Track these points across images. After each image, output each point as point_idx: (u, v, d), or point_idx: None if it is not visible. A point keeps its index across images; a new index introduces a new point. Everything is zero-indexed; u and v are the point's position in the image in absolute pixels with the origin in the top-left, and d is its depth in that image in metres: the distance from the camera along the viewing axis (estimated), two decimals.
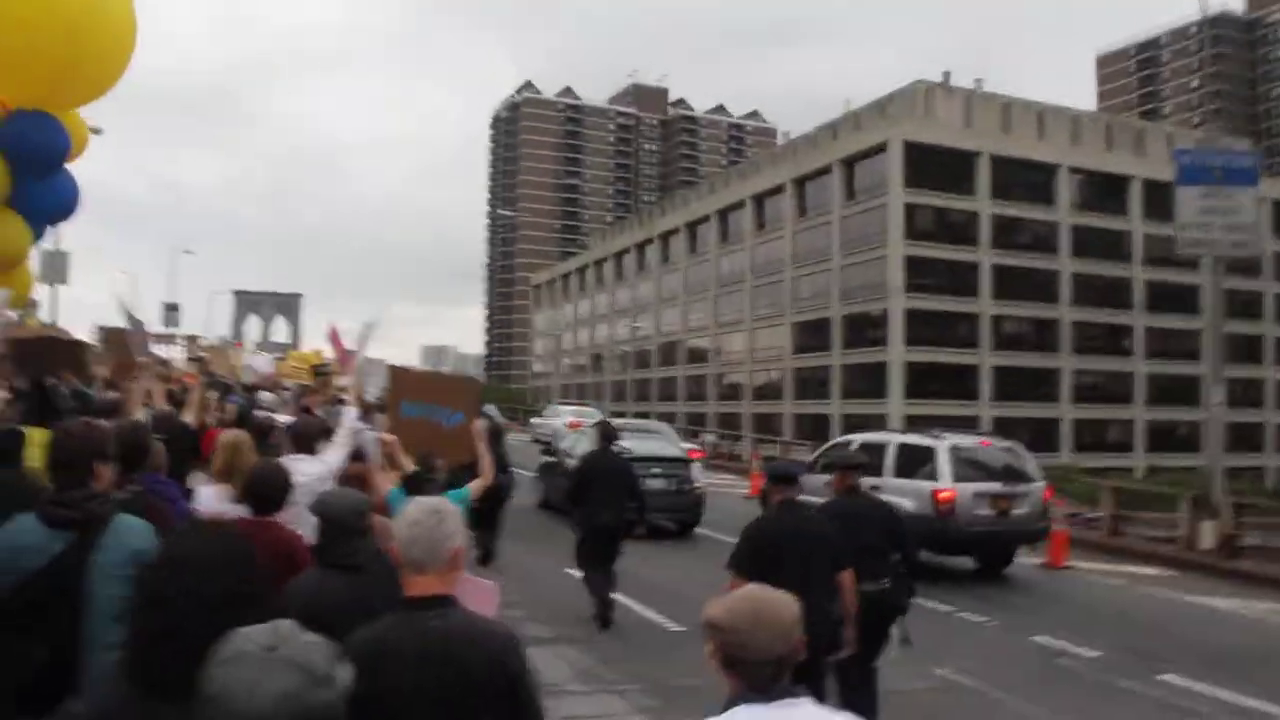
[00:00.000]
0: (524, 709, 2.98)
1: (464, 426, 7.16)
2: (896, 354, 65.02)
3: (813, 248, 73.09)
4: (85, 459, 3.86)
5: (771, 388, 78.27)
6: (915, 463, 14.84)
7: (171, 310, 55.49)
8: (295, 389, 16.37)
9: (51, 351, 14.50)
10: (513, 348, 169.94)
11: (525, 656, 3.04)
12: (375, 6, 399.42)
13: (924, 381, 64.60)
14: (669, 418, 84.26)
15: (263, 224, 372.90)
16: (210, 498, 5.35)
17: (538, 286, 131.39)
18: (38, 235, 5.13)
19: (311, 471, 5.65)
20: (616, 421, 17.63)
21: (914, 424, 43.23)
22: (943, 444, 14.81)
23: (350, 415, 6.88)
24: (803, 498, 6.88)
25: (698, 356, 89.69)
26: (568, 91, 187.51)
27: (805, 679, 3.01)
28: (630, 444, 16.52)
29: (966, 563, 15.37)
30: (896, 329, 65.09)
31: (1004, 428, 63.33)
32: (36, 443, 4.89)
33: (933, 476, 14.43)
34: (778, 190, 78.14)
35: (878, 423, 58.87)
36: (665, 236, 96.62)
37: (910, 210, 65.58)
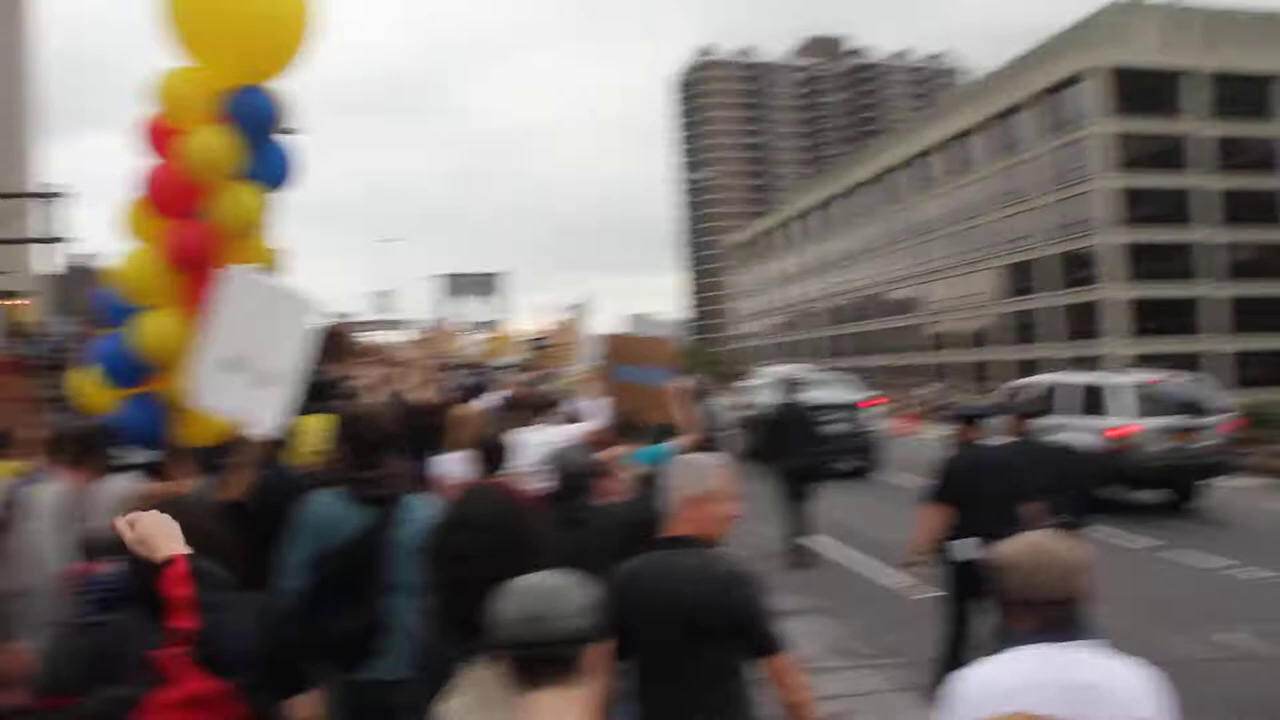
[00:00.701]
0: (755, 642, 3.19)
1: (670, 385, 7.34)
2: (1110, 291, 62.45)
3: (1013, 187, 70.72)
4: (380, 441, 4.25)
5: (979, 334, 76.41)
6: (1093, 401, 15.30)
7: (384, 297, 57.73)
8: (513, 363, 17.44)
9: (335, 340, 15.66)
10: (714, 310, 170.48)
11: (759, 599, 3.23)
12: None
13: (1145, 319, 61.92)
14: (874, 371, 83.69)
15: (462, 209, 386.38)
16: (449, 463, 5.88)
17: (733, 248, 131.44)
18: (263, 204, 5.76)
19: (553, 438, 5.92)
20: (798, 372, 19.92)
21: (1136, 364, 41.74)
22: (1117, 381, 15.54)
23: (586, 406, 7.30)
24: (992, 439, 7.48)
25: (900, 308, 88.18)
26: (746, 50, 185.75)
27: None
28: (809, 393, 17.04)
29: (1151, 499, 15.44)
30: (1109, 265, 62.48)
31: (1242, 363, 60.13)
32: (311, 429, 5.40)
33: (1108, 413, 14.89)
34: (971, 131, 75.85)
35: (1093, 365, 57.06)
36: (856, 188, 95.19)
37: (1115, 139, 62.62)
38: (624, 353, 7.70)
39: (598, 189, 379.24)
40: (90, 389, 5.66)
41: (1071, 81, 64.63)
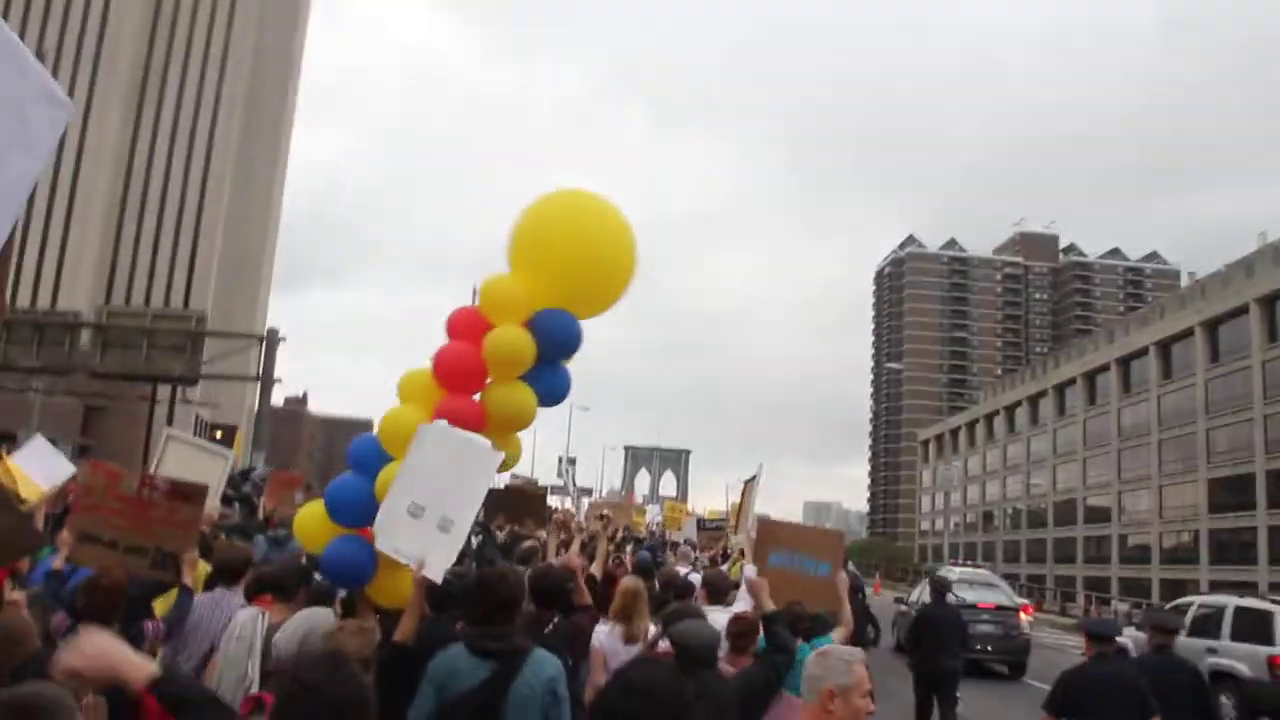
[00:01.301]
0: None
1: (830, 577, 7.44)
2: None
3: (1229, 395, 66.06)
4: (511, 600, 4.61)
5: (1184, 550, 70.61)
6: (1253, 626, 15.39)
7: (569, 464, 58.50)
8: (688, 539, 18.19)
9: (520, 501, 15.72)
10: (899, 505, 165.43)
11: None
12: (761, 174, 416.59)
13: None
14: (1067, 581, 78.39)
15: (656, 384, 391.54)
16: (604, 635, 6.33)
17: (925, 442, 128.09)
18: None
19: (720, 619, 6.20)
20: (954, 573, 21.75)
21: None
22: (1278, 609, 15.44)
23: (750, 570, 7.38)
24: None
25: (1098, 516, 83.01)
26: (952, 243, 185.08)
27: None
28: (964, 594, 19.72)
29: None
30: None
31: None
32: None
33: (1270, 641, 14.93)
34: (1185, 334, 71.88)
35: None
36: (1060, 388, 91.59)
37: None
38: (777, 538, 7.94)
39: (799, 375, 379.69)
40: (314, 523, 5.93)
41: None
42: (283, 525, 9.56)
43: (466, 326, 5.98)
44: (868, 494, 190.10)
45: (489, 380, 5.97)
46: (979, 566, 48.78)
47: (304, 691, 2.69)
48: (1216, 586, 60.77)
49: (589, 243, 6.00)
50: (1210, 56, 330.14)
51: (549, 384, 6.09)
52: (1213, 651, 15.57)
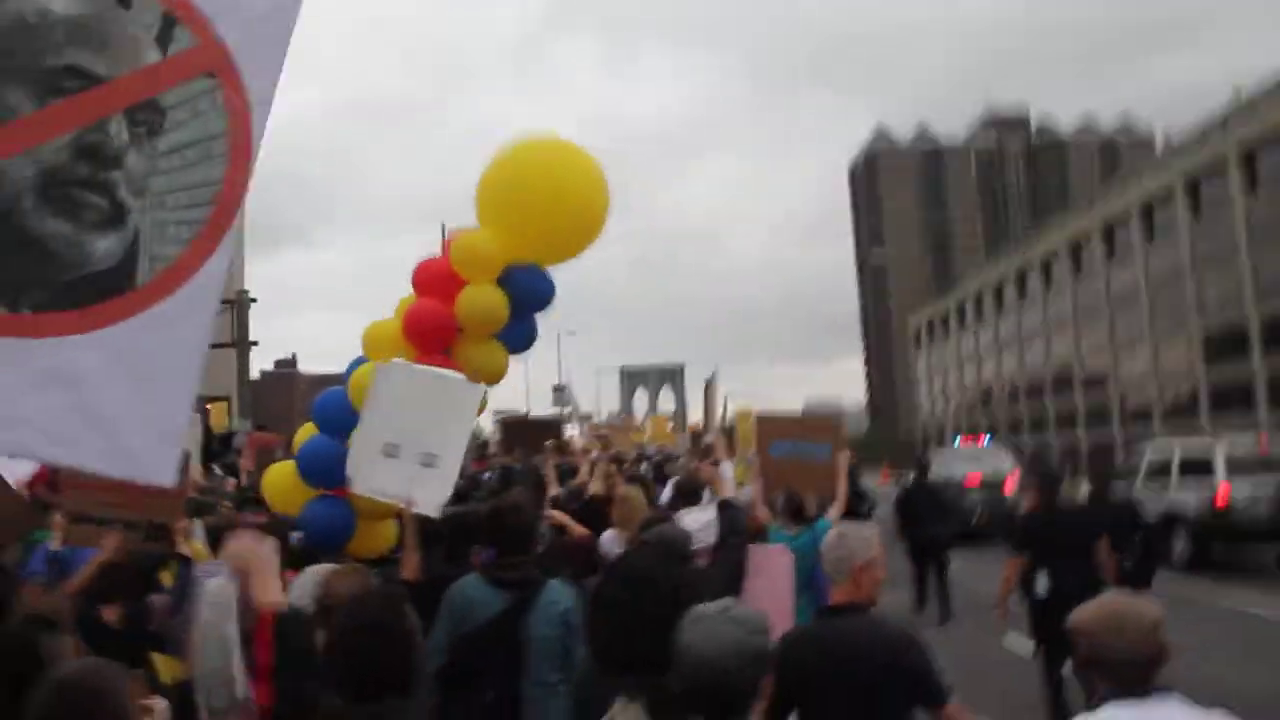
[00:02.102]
0: (927, 695, 3.61)
1: (832, 459, 7.73)
2: None
3: (1215, 248, 67.14)
4: (527, 530, 4.76)
5: (1184, 404, 72.36)
6: (1196, 465, 16.87)
7: (559, 391, 58.66)
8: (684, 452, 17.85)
9: (537, 432, 15.80)
10: (896, 394, 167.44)
11: (927, 655, 3.68)
12: (726, 87, 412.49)
13: None
14: (1072, 451, 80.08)
15: (641, 303, 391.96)
16: (610, 540, 6.46)
17: (916, 329, 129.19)
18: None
19: (700, 519, 6.23)
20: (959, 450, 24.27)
21: None
22: (1219, 445, 17.06)
23: (727, 470, 7.80)
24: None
25: (1096, 381, 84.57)
26: (922, 131, 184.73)
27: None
28: (958, 468, 22.89)
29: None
30: None
31: None
32: None
33: (1211, 476, 16.29)
34: (1166, 195, 72.90)
35: None
36: (1045, 260, 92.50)
37: None
38: (778, 429, 8.12)
39: (779, 281, 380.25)
40: (284, 485, 5.98)
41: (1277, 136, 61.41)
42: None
43: (436, 281, 5.89)
44: (865, 387, 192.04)
45: (459, 335, 5.88)
46: (983, 440, 48.73)
47: (365, 627, 2.80)
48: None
49: (560, 192, 5.85)
50: None
51: (518, 336, 6.12)
52: (1164, 490, 17.17)
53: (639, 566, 3.28)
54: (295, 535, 5.43)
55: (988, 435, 60.50)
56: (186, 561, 5.25)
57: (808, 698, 3.53)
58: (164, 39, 2.82)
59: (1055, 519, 8.48)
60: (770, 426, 8.34)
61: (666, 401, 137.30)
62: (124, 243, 2.88)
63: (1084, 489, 15.47)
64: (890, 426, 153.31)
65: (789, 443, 7.78)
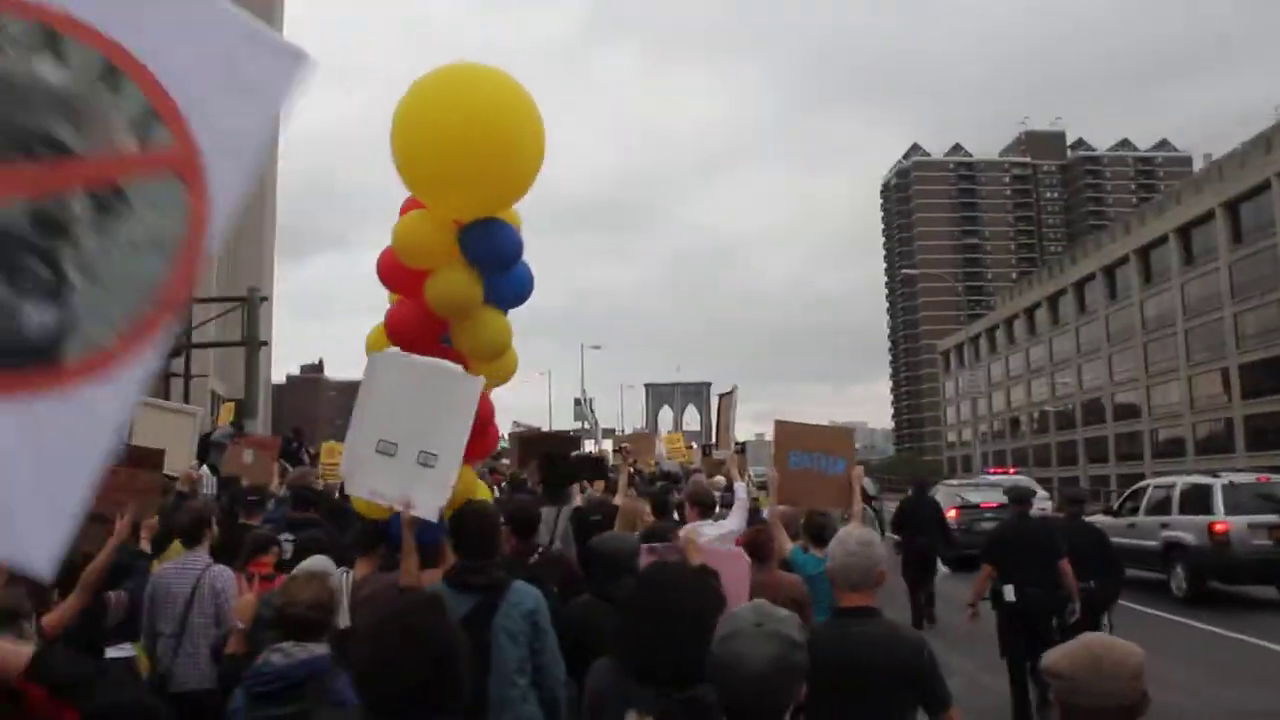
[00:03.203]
0: (933, 698, 3.77)
1: (846, 473, 7.56)
2: None
3: (1256, 276, 64.12)
4: (491, 532, 4.68)
5: (1218, 439, 69.18)
6: (1197, 500, 16.78)
7: (579, 404, 57.72)
8: (686, 468, 18.11)
9: (553, 447, 15.26)
10: (923, 419, 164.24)
11: (935, 661, 3.79)
12: (761, 104, 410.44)
13: None
14: (1101, 481, 77.12)
15: (670, 320, 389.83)
16: None
17: (945, 353, 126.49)
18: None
19: (710, 533, 6.51)
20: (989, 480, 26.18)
21: None
22: (1219, 481, 16.90)
23: (741, 488, 8.00)
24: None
25: (1127, 412, 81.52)
26: (956, 149, 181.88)
27: (1042, 645, 3.92)
28: (978, 497, 23.36)
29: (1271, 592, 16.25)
30: None
31: None
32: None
33: (1210, 511, 16.23)
34: (1205, 218, 69.83)
35: None
36: (1079, 285, 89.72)
37: None
38: (796, 439, 7.92)
39: (808, 300, 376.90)
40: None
41: None
42: (255, 491, 9.08)
43: (401, 277, 5.64)
44: (891, 411, 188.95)
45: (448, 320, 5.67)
46: (1018, 472, 47.95)
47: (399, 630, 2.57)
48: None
49: (486, 134, 5.09)
50: None
51: (506, 291, 5.77)
52: (1165, 526, 17.08)
53: (669, 577, 3.21)
54: (285, 540, 5.90)
55: (1017, 470, 57.64)
56: (145, 558, 6.03)
57: (820, 698, 3.21)
58: (143, 132, 2.83)
59: (1022, 533, 9.14)
60: (788, 435, 8.06)
61: (692, 420, 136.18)
62: (59, 319, 2.79)
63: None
64: (916, 451, 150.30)
65: (806, 455, 7.63)
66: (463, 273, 5.42)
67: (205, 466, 12.33)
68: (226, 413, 21.67)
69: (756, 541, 6.23)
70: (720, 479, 12.04)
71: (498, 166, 5.23)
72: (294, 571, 4.41)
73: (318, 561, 4.62)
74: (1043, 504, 26.97)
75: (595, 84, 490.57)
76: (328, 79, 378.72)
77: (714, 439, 20.41)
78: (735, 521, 7.33)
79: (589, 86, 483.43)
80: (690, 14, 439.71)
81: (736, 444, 17.51)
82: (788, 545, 6.68)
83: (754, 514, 8.00)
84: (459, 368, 5.26)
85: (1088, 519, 11.78)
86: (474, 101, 5.16)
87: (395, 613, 2.62)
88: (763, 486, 11.40)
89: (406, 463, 4.88)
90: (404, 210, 5.67)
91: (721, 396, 18.57)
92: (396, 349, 5.41)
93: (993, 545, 9.29)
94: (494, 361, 5.85)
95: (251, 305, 27.55)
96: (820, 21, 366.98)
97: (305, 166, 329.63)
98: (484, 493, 6.15)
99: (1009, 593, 8.76)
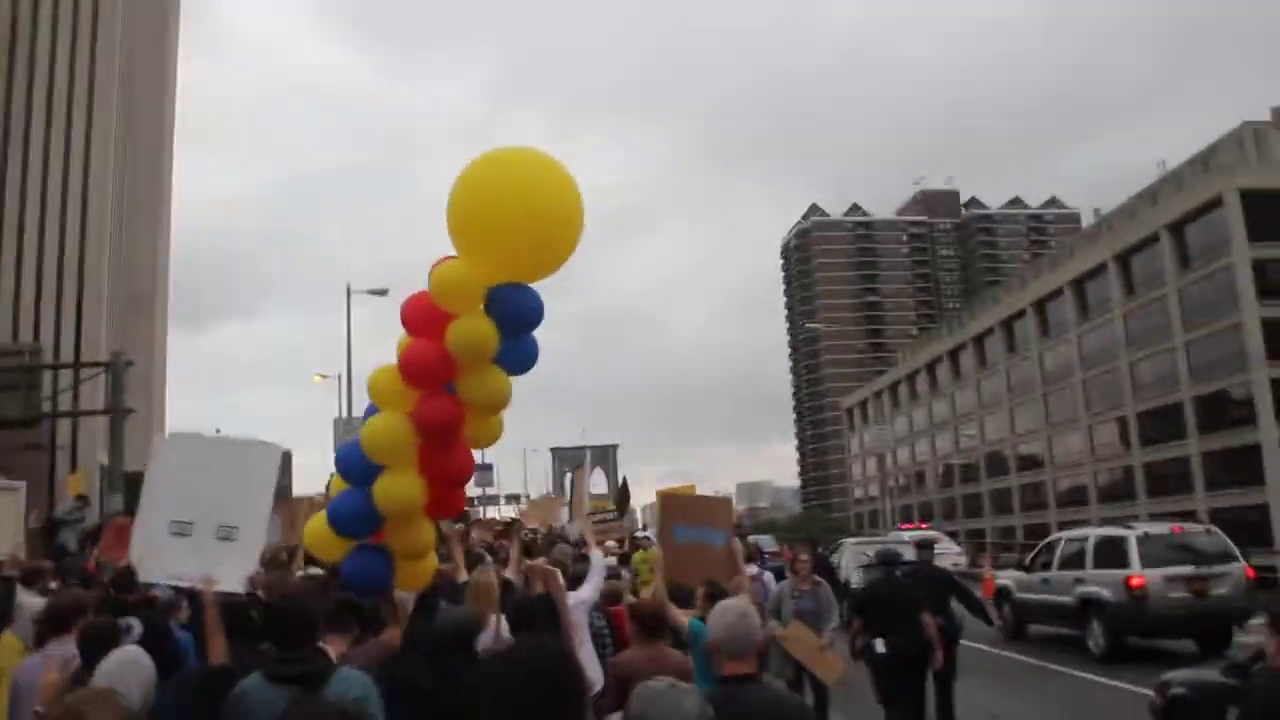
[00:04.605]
0: None
1: (727, 545, 7.67)
2: (1272, 433, 56.03)
3: (1149, 326, 65.58)
4: (309, 618, 4.36)
5: (1120, 487, 70.21)
6: (1111, 553, 16.33)
7: (484, 470, 56.01)
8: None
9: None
10: (829, 476, 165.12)
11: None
12: (662, 168, 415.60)
13: None
14: (1007, 532, 77.72)
15: (576, 382, 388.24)
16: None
17: (849, 409, 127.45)
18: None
19: (579, 597, 6.82)
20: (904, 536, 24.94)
21: None
22: (1133, 533, 16.33)
23: (597, 558, 7.79)
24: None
25: (1030, 463, 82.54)
26: (854, 209, 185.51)
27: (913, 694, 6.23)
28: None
29: (1190, 645, 15.87)
30: (1267, 404, 56.22)
31: None
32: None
33: (1126, 564, 15.78)
34: (1098, 270, 71.47)
35: (1257, 514, 51.61)
36: (979, 339, 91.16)
37: (1260, 266, 57.13)
38: (681, 512, 8.01)
39: (713, 361, 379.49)
40: (323, 537, 6.07)
41: (1208, 208, 59.91)
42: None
43: (424, 317, 5.86)
44: (798, 468, 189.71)
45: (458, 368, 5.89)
46: (927, 527, 47.80)
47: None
48: (1157, 519, 60.30)
49: (532, 206, 5.69)
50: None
51: (516, 357, 6.02)
52: (1080, 581, 16.62)
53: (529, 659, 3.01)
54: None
55: (927, 525, 57.66)
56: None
57: None
58: None
59: (882, 591, 10.21)
60: (672, 508, 8.30)
61: (599, 483, 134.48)
62: None
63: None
64: (823, 509, 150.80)
65: (690, 528, 7.71)
66: (485, 323, 5.72)
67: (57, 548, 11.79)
68: (74, 484, 20.28)
69: (650, 613, 6.07)
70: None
71: (545, 253, 5.86)
72: (96, 674, 4.13)
73: (126, 656, 4.26)
74: (957, 558, 28.19)
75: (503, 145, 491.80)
76: (223, 148, 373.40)
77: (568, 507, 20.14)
78: (589, 591, 7.27)
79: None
80: (589, 80, 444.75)
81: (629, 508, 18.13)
82: (682, 619, 6.51)
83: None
84: (258, 438, 5.37)
85: (979, 570, 13.19)
86: (538, 190, 5.75)
87: (527, 663, 2.79)
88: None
89: (205, 539, 4.85)
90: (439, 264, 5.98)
91: (576, 469, 19.28)
92: (184, 431, 5.48)
93: (861, 601, 10.61)
94: (489, 416, 6.12)
95: (116, 370, 25.92)
96: (720, 84, 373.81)
97: (208, 235, 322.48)
98: (429, 562, 6.26)
99: (880, 646, 9.59)
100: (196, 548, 4.82)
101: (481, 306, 5.72)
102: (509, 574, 7.97)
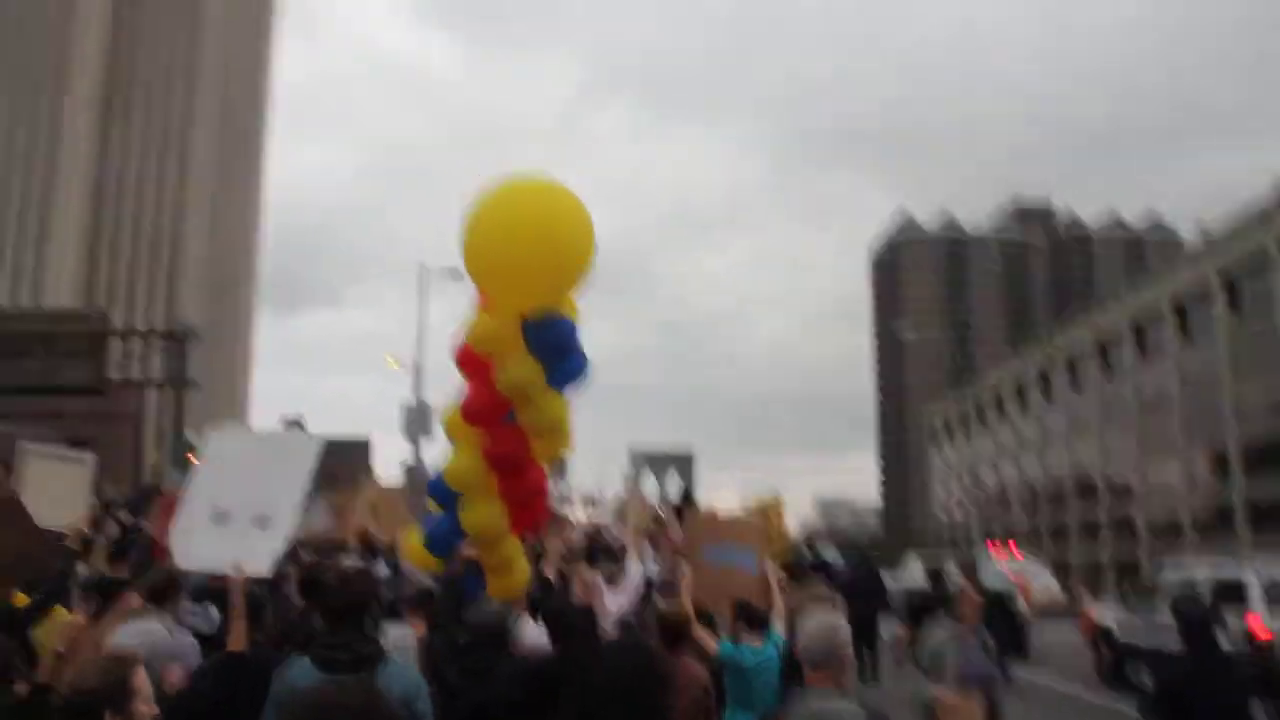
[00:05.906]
0: None
1: (759, 569, 7.56)
2: None
3: (1257, 351, 61.82)
4: (359, 603, 4.40)
5: (1214, 522, 66.35)
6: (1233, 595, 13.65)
7: (558, 471, 55.21)
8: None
9: None
10: (909, 494, 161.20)
11: None
12: (748, 168, 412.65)
13: None
14: (1094, 566, 74.21)
15: (657, 389, 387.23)
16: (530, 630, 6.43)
17: (934, 426, 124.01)
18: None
19: (608, 605, 7.35)
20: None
21: None
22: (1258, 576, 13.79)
23: (632, 568, 8.24)
24: None
25: (1123, 491, 78.76)
26: (948, 221, 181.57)
27: None
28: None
29: None
30: None
31: None
32: None
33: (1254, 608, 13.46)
34: (1203, 292, 67.75)
35: None
36: (1071, 359, 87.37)
37: None
38: (710, 532, 8.05)
39: (794, 367, 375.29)
40: (423, 556, 7.04)
41: None
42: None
43: (472, 366, 6.50)
44: (880, 484, 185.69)
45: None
46: (1015, 547, 44.87)
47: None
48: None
49: (540, 234, 6.03)
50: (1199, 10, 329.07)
51: (565, 375, 6.48)
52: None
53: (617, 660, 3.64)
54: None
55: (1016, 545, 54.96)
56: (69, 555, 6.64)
57: None
58: None
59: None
60: (699, 527, 8.31)
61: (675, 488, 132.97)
62: None
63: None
64: (903, 527, 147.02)
65: (717, 547, 7.67)
66: (525, 362, 6.19)
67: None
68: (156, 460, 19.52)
69: (672, 623, 5.96)
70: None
71: (551, 261, 6.13)
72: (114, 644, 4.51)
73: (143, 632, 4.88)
74: (1052, 590, 30.76)
75: (590, 141, 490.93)
76: (319, 132, 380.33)
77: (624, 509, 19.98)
78: (622, 601, 7.45)
79: (584, 145, 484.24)
80: (681, 74, 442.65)
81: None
82: (711, 642, 6.34)
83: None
84: (299, 430, 5.00)
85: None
86: (532, 205, 6.18)
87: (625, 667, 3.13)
88: None
89: (240, 527, 4.96)
90: (476, 301, 6.53)
91: (636, 470, 19.56)
92: (234, 424, 4.67)
93: (910, 608, 13.18)
94: (553, 434, 6.63)
95: (178, 340, 25.27)
96: (809, 85, 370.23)
97: (299, 223, 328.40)
98: (522, 571, 6.96)
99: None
100: (232, 534, 4.94)
101: (520, 340, 6.15)
102: (547, 572, 8.07)
